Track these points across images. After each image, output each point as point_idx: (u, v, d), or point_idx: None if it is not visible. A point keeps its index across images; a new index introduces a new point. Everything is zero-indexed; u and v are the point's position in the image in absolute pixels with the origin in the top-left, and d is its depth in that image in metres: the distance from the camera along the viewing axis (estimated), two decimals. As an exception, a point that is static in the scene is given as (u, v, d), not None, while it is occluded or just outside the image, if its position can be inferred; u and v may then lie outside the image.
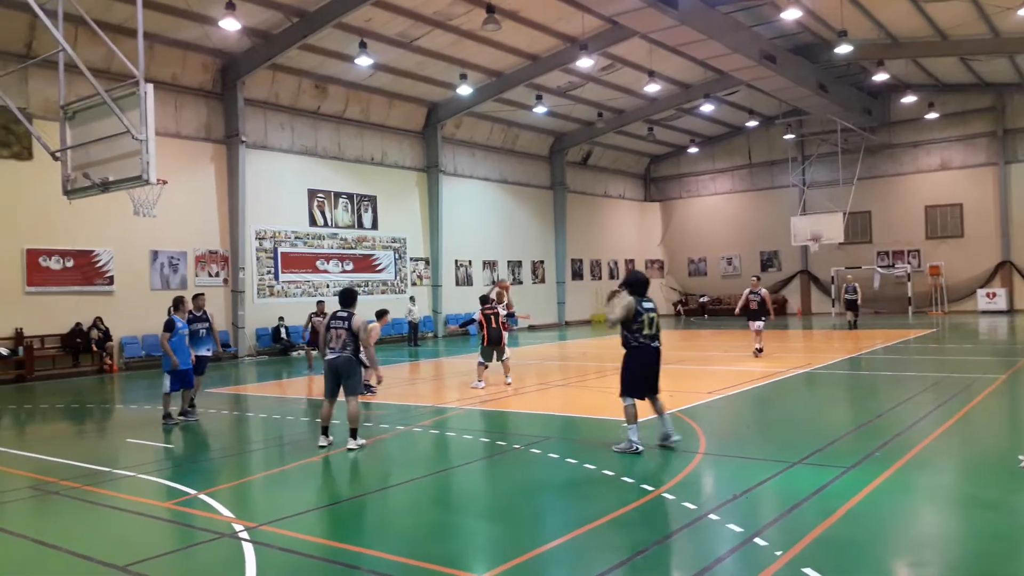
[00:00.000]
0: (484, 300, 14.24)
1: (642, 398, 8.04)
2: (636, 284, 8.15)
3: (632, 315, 7.93)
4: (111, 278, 20.00)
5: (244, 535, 5.80)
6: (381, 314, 13.72)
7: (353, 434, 8.82)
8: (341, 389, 8.86)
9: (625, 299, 8.01)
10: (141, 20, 10.45)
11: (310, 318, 17.36)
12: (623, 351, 8.14)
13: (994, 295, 31.45)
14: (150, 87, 10.08)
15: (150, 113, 10.04)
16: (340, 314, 8.98)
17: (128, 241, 20.09)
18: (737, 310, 17.98)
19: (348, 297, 9.10)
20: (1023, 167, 31.48)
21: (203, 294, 12.35)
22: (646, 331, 7.97)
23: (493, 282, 14.99)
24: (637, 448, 7.80)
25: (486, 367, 13.83)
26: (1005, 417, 10.29)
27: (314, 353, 17.59)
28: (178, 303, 11.34)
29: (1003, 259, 31.79)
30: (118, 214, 17.78)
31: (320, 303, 17.35)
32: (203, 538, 5.91)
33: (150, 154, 10.05)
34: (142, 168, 10.08)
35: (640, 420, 7.97)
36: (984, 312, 31.10)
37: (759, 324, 17.24)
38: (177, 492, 7.24)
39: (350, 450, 8.71)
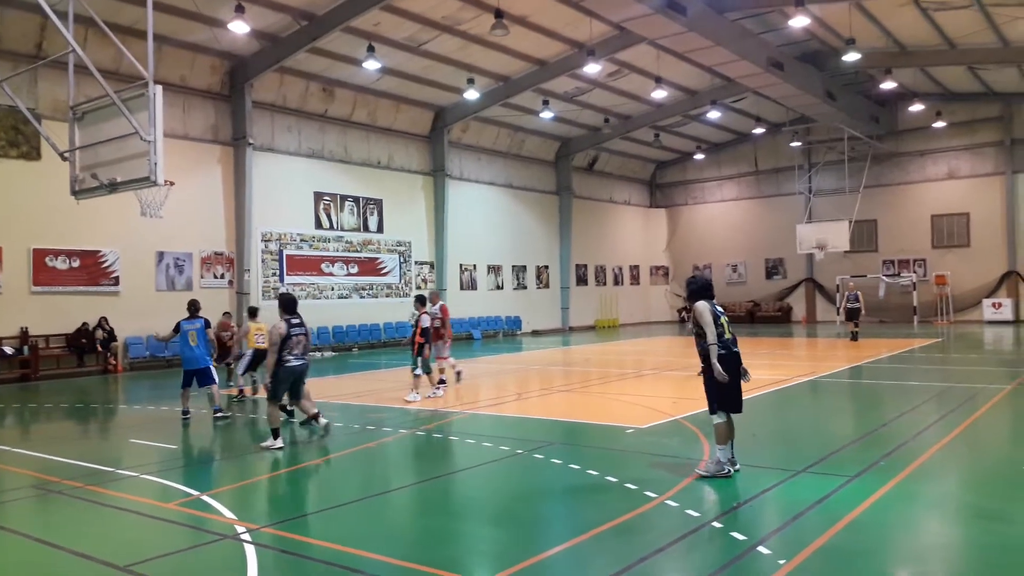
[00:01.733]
0: (423, 301, 13.26)
1: (735, 411, 7.27)
2: (701, 290, 7.40)
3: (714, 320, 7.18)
4: (117, 279, 20.06)
5: (246, 537, 5.80)
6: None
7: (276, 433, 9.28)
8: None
9: (702, 308, 7.22)
10: (151, 22, 10.52)
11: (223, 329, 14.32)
12: (703, 363, 7.36)
13: (1000, 305, 31.31)
14: (159, 89, 10.14)
15: (158, 115, 10.09)
16: (295, 320, 9.31)
17: (134, 242, 20.15)
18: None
19: (295, 303, 9.55)
20: (1031, 177, 31.44)
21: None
22: (727, 335, 7.24)
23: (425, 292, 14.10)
24: (729, 471, 7.05)
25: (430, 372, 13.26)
26: (1010, 428, 10.23)
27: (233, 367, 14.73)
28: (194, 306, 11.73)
29: (1009, 269, 31.68)
30: (125, 215, 17.84)
31: (227, 314, 15.01)
32: (205, 539, 5.92)
33: (158, 155, 10.10)
34: (150, 169, 10.13)
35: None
36: (990, 322, 30.97)
37: None
38: (180, 493, 7.25)
39: (279, 449, 9.08)
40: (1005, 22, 22.10)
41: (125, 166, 10.74)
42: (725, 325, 7.28)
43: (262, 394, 12.39)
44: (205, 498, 6.96)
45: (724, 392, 7.19)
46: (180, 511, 6.61)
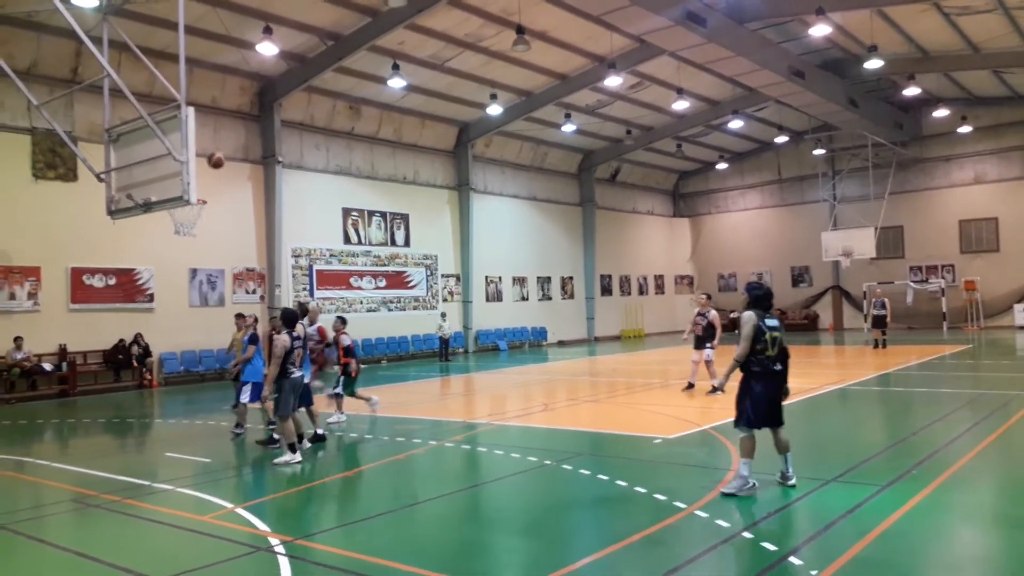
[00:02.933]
0: (344, 321, 12.47)
1: (760, 428, 7.06)
2: (762, 299, 7.14)
3: (755, 335, 6.97)
4: (151, 295, 20.44)
5: (280, 549, 5.91)
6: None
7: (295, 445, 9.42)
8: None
9: (747, 318, 7.00)
10: (183, 46, 10.80)
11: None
12: (740, 375, 7.18)
13: (1032, 310, 30.75)
14: (191, 110, 10.41)
15: (191, 135, 10.36)
16: (295, 334, 9.50)
17: (168, 259, 20.54)
18: (685, 335, 15.32)
19: (296, 317, 9.78)
20: (1061, 180, 30.91)
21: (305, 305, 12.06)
22: (768, 352, 6.98)
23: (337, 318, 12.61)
24: (753, 485, 6.91)
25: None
26: (1046, 436, 10.07)
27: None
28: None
29: (1042, 274, 31.15)
30: (158, 233, 18.15)
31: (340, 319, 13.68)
32: (240, 552, 6.02)
33: (190, 175, 10.37)
34: (183, 189, 10.40)
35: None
36: (1021, 328, 30.38)
37: (706, 352, 14.43)
38: (215, 506, 7.37)
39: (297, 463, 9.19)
40: (1031, 25, 21.86)
41: (159, 186, 11.05)
42: (768, 342, 6.98)
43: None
44: (239, 511, 7.08)
45: (748, 407, 7.02)
46: (215, 524, 6.71)
